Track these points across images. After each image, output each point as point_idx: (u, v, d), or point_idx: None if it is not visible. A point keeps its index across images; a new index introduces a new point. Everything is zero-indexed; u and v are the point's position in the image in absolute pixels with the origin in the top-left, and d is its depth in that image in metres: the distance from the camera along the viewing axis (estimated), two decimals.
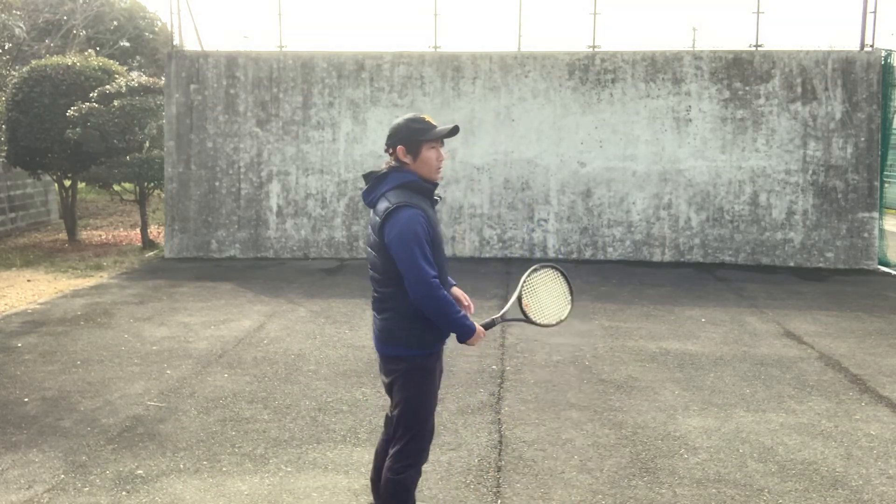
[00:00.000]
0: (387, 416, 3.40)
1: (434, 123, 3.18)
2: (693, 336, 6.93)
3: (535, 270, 3.51)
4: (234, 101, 11.15)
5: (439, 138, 3.16)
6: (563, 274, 3.57)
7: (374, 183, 3.20)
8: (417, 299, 3.04)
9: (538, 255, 11.05)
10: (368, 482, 3.73)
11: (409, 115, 3.22)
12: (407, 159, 3.15)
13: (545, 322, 3.48)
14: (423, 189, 3.17)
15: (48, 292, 8.78)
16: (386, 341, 3.21)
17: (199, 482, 4.00)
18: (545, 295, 3.50)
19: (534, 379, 5.69)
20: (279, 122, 11.17)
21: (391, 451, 3.27)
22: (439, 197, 3.29)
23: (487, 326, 3.29)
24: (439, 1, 11.21)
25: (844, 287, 9.31)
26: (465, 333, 3.13)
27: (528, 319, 3.45)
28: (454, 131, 3.17)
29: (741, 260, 10.79)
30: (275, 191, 11.19)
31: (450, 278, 3.40)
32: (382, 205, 3.10)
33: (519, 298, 3.41)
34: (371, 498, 3.64)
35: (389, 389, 3.30)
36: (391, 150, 3.19)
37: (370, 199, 3.20)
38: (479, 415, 4.96)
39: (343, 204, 11.19)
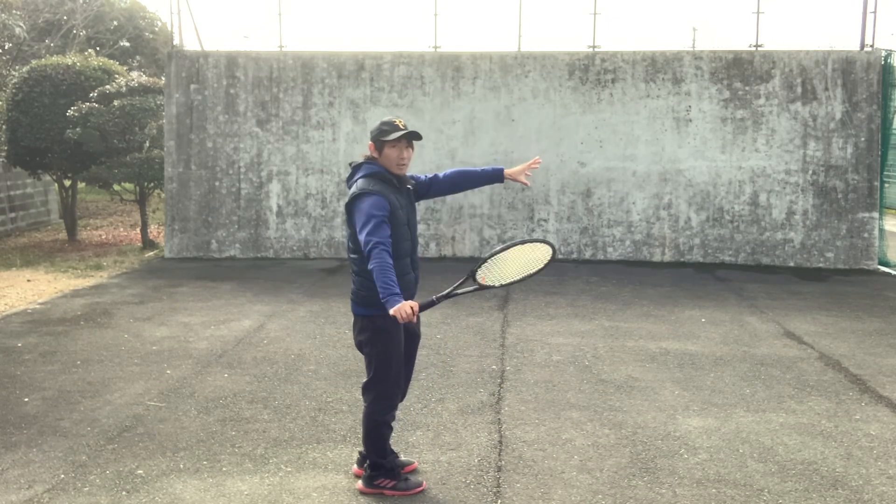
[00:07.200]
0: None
1: (402, 127, 3.70)
2: (693, 336, 6.93)
3: (508, 248, 3.71)
4: (234, 101, 11.15)
5: (394, 140, 3.67)
6: (546, 243, 3.81)
7: (353, 171, 3.83)
8: (367, 261, 3.51)
9: None
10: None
11: (386, 118, 3.79)
12: (375, 154, 3.76)
13: (506, 282, 3.72)
14: (387, 178, 3.73)
15: (48, 292, 8.78)
16: (355, 301, 3.81)
17: (199, 482, 4.00)
18: (513, 263, 3.74)
19: (534, 379, 5.69)
20: (279, 122, 11.17)
21: (367, 399, 3.84)
22: (411, 185, 3.87)
23: (424, 307, 3.52)
24: (439, 1, 11.22)
25: (844, 287, 9.31)
26: (388, 303, 3.41)
27: (482, 287, 3.72)
28: (412, 135, 3.68)
29: (741, 260, 10.79)
30: (275, 191, 11.20)
31: (414, 272, 3.86)
32: (351, 189, 3.73)
33: (473, 274, 3.70)
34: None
35: (360, 347, 3.85)
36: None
37: (349, 183, 3.83)
38: (479, 415, 4.96)
39: (343, 204, 11.17)
